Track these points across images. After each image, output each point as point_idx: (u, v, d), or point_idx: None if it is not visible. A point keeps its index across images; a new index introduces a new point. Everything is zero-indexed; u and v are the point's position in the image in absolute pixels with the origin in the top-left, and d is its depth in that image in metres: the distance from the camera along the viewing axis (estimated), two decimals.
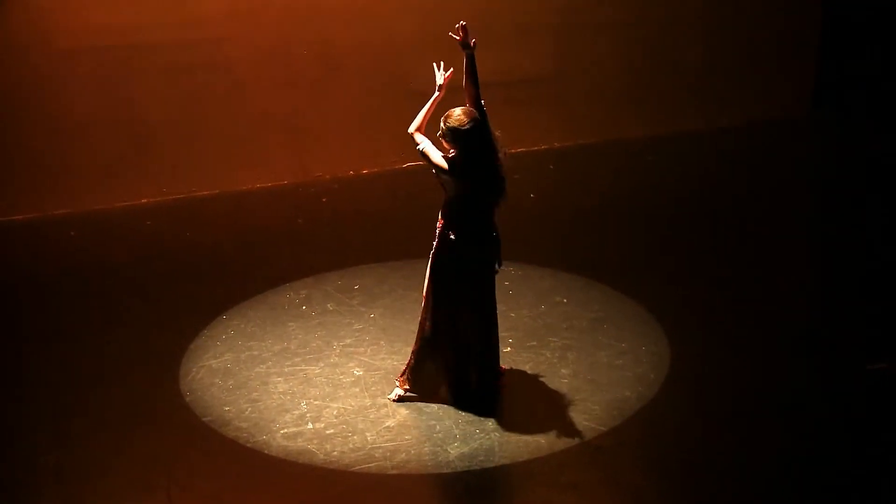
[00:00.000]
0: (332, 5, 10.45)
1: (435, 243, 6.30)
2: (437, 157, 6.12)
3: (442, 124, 6.11)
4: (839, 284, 8.27)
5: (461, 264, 6.28)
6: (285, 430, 6.34)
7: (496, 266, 6.42)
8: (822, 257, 8.90)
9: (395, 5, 10.63)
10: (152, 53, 10.02)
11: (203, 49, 10.20)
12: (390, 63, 10.75)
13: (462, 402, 6.52)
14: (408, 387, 6.61)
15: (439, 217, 6.29)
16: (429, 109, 6.28)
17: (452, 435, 6.23)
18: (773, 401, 6.59)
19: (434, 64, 6.33)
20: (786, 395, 6.65)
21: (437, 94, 6.31)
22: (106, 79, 9.97)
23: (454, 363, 6.48)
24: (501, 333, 6.85)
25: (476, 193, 6.15)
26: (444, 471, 5.95)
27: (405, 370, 6.63)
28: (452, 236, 6.20)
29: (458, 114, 6.07)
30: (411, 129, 6.22)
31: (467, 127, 6.03)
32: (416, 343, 6.55)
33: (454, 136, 6.06)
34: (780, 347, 7.26)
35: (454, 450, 6.09)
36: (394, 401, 6.60)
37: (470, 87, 6.17)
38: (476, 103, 6.17)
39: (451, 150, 6.12)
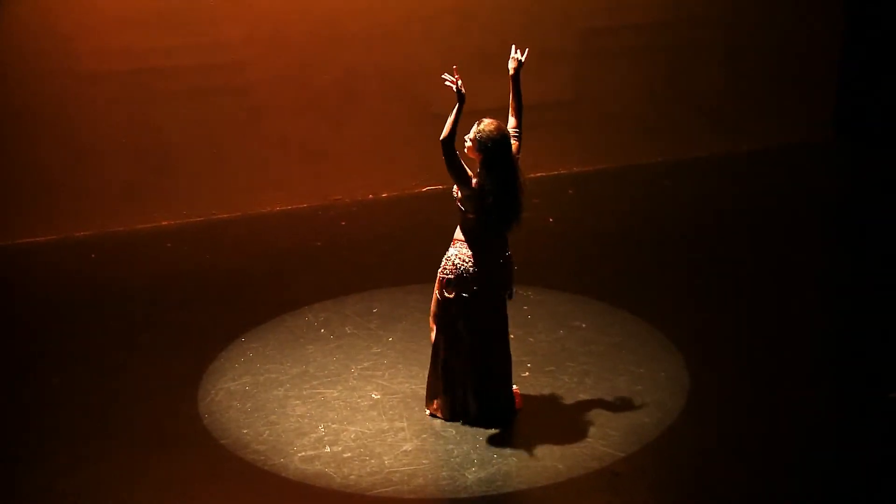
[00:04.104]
0: (353, 30, 10.49)
1: (446, 274, 6.37)
2: (463, 165, 6.20)
3: (473, 128, 6.21)
4: (861, 312, 8.22)
5: (474, 292, 6.33)
6: (303, 454, 6.34)
7: (507, 294, 6.47)
8: (844, 284, 8.85)
9: (416, 31, 10.67)
10: (174, 77, 10.08)
11: (224, 73, 10.26)
12: (410, 88, 10.78)
13: (483, 420, 6.57)
14: (439, 413, 6.67)
15: (454, 245, 6.36)
16: (453, 118, 6.11)
17: (470, 459, 6.22)
18: (792, 429, 6.56)
19: (445, 75, 6.21)
20: (806, 423, 6.62)
21: (458, 103, 6.15)
22: (127, 102, 10.02)
23: (474, 385, 6.52)
24: (520, 357, 6.86)
25: (494, 212, 6.17)
26: (462, 496, 5.93)
27: (436, 397, 6.67)
28: (448, 274, 6.34)
29: (487, 122, 6.19)
30: (443, 135, 6.10)
31: (490, 137, 6.11)
32: (437, 368, 6.59)
33: (480, 144, 6.15)
34: (800, 375, 7.22)
35: (472, 474, 6.08)
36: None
37: (514, 107, 6.45)
38: (518, 124, 6.43)
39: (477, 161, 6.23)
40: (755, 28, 11.84)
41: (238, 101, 10.36)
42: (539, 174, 11.07)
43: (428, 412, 6.70)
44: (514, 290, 6.57)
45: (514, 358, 6.71)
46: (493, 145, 6.12)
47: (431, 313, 6.55)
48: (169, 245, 9.87)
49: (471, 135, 6.22)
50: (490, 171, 6.15)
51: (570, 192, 11.03)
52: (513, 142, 6.36)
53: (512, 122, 6.46)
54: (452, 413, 6.60)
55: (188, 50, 10.05)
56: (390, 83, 10.76)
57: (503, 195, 6.16)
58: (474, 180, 6.19)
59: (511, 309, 6.61)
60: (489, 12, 10.80)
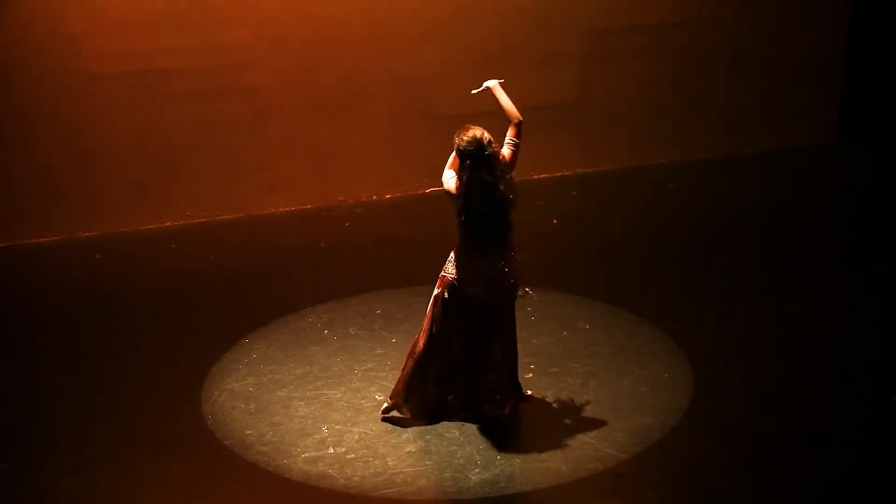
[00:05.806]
0: (357, 31, 10.50)
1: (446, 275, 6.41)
2: (451, 184, 6.34)
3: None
4: (863, 313, 8.22)
5: (470, 294, 6.36)
6: (306, 455, 6.35)
7: (516, 293, 6.47)
8: (847, 286, 8.84)
9: (419, 32, 10.68)
10: (178, 78, 10.10)
11: (229, 74, 10.28)
12: (414, 89, 10.79)
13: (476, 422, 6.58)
14: (401, 405, 6.66)
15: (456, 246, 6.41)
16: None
17: (473, 461, 6.23)
18: (796, 431, 6.55)
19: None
20: (810, 425, 6.61)
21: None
22: (132, 103, 10.04)
23: (468, 386, 6.54)
24: (524, 359, 6.85)
25: (464, 215, 6.22)
26: (465, 497, 5.93)
27: (402, 390, 6.66)
28: (449, 272, 6.39)
29: (465, 129, 6.23)
30: None
31: (463, 146, 6.18)
32: (411, 363, 6.59)
33: (456, 149, 6.24)
34: (803, 376, 7.22)
35: (475, 476, 6.08)
36: (382, 416, 6.68)
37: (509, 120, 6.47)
38: (516, 133, 6.41)
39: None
40: (760, 31, 11.84)
41: (242, 102, 10.38)
42: (543, 175, 11.09)
43: (387, 405, 6.69)
44: (520, 292, 6.56)
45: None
46: (464, 150, 6.18)
47: (429, 308, 6.57)
48: (173, 246, 9.88)
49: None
50: (461, 174, 6.22)
51: (574, 193, 11.03)
52: (506, 150, 6.36)
53: (511, 131, 6.45)
54: (417, 410, 6.62)
55: (193, 51, 10.06)
56: (394, 85, 10.77)
57: (472, 200, 6.17)
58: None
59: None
60: (493, 14, 10.81)
